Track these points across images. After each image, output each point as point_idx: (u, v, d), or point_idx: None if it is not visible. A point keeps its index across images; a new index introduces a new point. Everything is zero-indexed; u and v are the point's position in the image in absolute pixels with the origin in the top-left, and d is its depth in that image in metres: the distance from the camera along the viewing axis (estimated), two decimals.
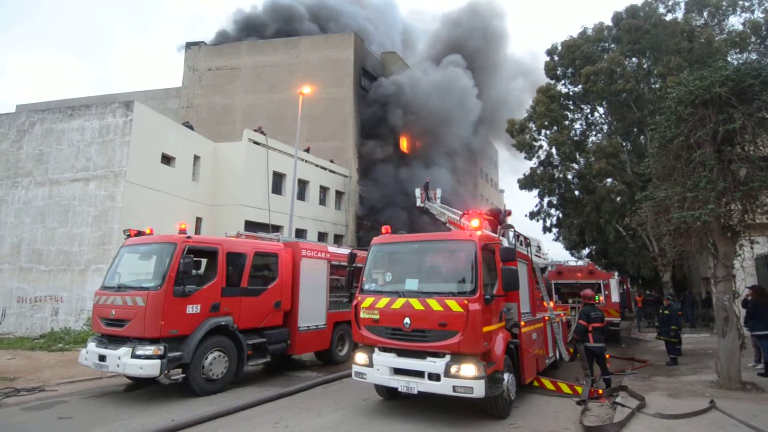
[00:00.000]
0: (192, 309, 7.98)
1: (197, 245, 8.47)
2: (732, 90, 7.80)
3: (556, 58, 23.29)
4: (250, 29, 34.39)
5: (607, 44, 22.67)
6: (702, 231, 8.36)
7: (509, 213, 13.03)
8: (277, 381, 9.46)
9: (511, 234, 8.89)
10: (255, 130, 23.20)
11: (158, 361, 7.36)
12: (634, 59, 21.78)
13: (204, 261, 9.51)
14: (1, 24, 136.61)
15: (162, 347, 7.45)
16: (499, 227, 8.97)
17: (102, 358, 7.81)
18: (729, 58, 17.99)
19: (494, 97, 37.74)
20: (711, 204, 7.72)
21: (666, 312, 11.86)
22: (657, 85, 19.97)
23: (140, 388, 8.64)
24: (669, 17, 21.45)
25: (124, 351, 7.52)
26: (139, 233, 9.32)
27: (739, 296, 8.97)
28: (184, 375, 7.79)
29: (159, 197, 17.56)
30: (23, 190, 17.50)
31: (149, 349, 7.41)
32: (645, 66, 21.39)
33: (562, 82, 23.65)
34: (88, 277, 15.82)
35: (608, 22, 22.65)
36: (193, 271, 8.42)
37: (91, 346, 8.17)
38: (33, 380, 9.15)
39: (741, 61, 16.36)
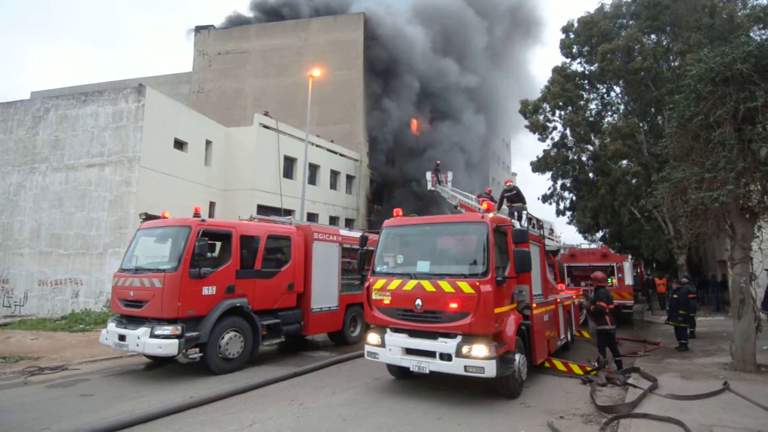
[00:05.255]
0: (208, 290, 8.13)
1: (211, 228, 8.59)
2: (754, 67, 7.55)
3: (571, 35, 22.73)
4: (265, 13, 34.05)
5: (625, 20, 22.04)
6: (720, 212, 8.22)
7: (508, 181, 12.77)
8: (292, 360, 9.65)
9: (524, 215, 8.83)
10: (263, 115, 23.23)
11: (176, 341, 7.54)
12: (652, 36, 21.17)
13: (218, 244, 9.67)
14: (18, 17, 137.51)
15: (179, 327, 7.63)
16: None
17: (122, 338, 8.03)
18: (752, 34, 17.34)
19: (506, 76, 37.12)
20: (730, 185, 7.56)
21: (675, 296, 11.67)
22: (676, 63, 19.42)
23: (159, 367, 8.89)
24: None
25: (143, 331, 7.72)
26: (155, 217, 9.46)
27: (756, 278, 8.83)
28: (201, 354, 7.99)
29: (173, 182, 17.76)
30: (41, 175, 17.85)
31: (167, 329, 7.60)
32: (664, 43, 20.79)
33: (578, 60, 23.12)
34: (106, 260, 16.20)
35: None
36: (208, 254, 8.56)
37: (111, 326, 8.39)
38: (56, 359, 9.47)
39: (764, 37, 15.77)
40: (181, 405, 6.22)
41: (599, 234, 28.56)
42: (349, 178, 28.26)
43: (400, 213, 8.01)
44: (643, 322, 17.43)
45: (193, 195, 18.21)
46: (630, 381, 7.37)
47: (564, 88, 21.61)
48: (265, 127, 22.32)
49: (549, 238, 13.26)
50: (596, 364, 8.36)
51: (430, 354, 6.40)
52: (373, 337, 7.04)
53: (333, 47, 29.67)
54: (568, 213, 26.33)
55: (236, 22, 34.14)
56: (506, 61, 38.42)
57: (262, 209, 19.70)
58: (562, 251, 16.64)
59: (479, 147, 34.62)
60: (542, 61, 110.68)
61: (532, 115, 23.11)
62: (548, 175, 24.69)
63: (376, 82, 30.23)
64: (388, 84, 30.11)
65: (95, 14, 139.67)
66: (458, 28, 32.47)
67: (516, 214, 10.22)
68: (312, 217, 22.99)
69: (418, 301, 6.52)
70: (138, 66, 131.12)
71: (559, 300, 9.54)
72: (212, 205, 20.33)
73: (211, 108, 29.14)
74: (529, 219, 10.22)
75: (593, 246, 19.14)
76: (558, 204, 25.88)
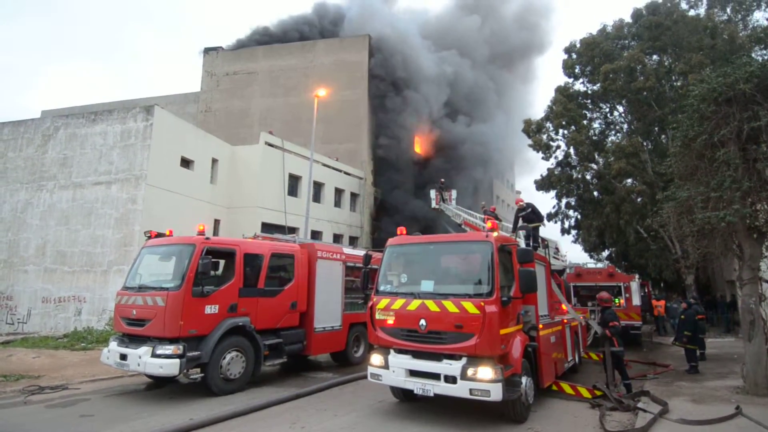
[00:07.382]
0: (210, 309, 8.08)
1: (215, 246, 8.59)
2: (757, 87, 7.59)
3: (574, 56, 23.02)
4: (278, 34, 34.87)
5: (627, 41, 22.34)
6: (727, 232, 8.14)
7: (519, 201, 12.15)
8: (294, 381, 9.51)
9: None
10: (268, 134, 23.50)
11: (177, 361, 7.47)
12: (654, 56, 21.39)
13: (222, 262, 9.64)
14: (32, 36, 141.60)
15: (181, 347, 7.56)
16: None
17: (123, 357, 7.96)
18: (753, 55, 17.49)
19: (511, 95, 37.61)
20: (736, 204, 7.50)
21: (681, 316, 11.56)
22: (678, 83, 19.57)
23: (160, 387, 8.79)
24: (691, 13, 20.99)
25: (144, 350, 7.66)
26: (159, 235, 9.49)
27: (765, 299, 8.68)
28: (202, 374, 7.90)
29: (178, 200, 17.88)
30: (48, 193, 18.03)
31: (169, 349, 7.53)
32: (666, 63, 20.98)
33: (581, 80, 23.36)
34: (110, 278, 16.19)
35: (628, 18, 22.33)
36: (212, 272, 8.54)
37: (113, 345, 8.34)
38: (56, 378, 9.40)
39: (766, 57, 15.88)
40: (181, 427, 6.12)
41: (605, 253, 28.30)
42: (354, 196, 28.34)
43: (404, 231, 7.99)
44: (652, 343, 17.10)
45: (198, 213, 18.29)
46: (640, 405, 7.19)
47: (567, 107, 21.78)
48: (271, 145, 22.54)
49: (555, 257, 13.14)
50: (606, 387, 8.17)
51: (435, 376, 6.28)
52: (376, 358, 6.94)
53: (338, 68, 30.19)
54: (573, 232, 26.19)
55: (261, 38, 34.77)
56: (508, 82, 38.90)
57: (267, 227, 19.73)
58: (568, 270, 16.48)
59: (484, 164, 34.80)
60: (545, 80, 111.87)
61: (536, 134, 23.25)
62: (552, 193, 24.70)
63: (382, 101, 30.58)
64: (393, 102, 30.44)
65: (104, 33, 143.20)
66: (462, 42, 33.08)
67: (531, 234, 10.08)
68: (316, 235, 23.00)
69: (422, 322, 6.43)
70: (146, 84, 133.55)
71: (566, 321, 9.40)
72: (217, 222, 20.40)
73: (218, 127, 29.56)
74: (534, 238, 10.11)
75: (599, 265, 18.94)
76: (563, 222, 25.79)
